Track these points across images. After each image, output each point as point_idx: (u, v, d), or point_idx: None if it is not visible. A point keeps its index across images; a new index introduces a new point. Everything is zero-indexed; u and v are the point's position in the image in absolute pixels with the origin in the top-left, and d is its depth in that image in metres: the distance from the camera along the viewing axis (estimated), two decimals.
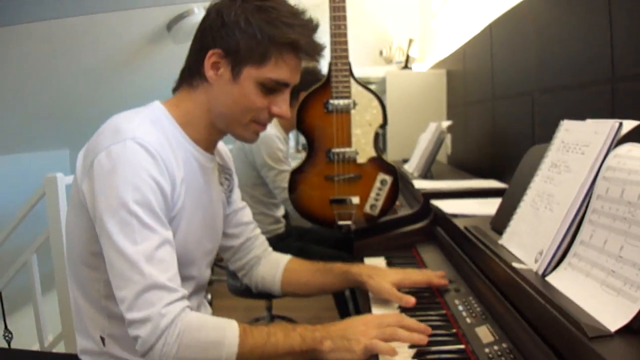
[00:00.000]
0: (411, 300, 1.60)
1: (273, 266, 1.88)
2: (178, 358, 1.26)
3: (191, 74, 1.52)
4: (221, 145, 1.75)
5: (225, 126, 1.55)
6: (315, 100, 2.34)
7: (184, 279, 1.43)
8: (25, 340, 3.70)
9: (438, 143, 3.28)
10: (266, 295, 3.14)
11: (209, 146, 1.60)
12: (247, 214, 1.89)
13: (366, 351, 1.30)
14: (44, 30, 3.62)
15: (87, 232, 1.40)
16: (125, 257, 1.26)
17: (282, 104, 1.53)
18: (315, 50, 1.52)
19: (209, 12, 1.50)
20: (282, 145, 3.26)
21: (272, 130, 3.24)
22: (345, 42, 2.31)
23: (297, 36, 1.44)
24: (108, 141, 1.33)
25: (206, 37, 1.48)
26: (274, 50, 1.44)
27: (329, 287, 1.86)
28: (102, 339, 1.47)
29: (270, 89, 1.48)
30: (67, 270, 1.55)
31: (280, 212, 3.57)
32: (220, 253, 1.86)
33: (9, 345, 3.50)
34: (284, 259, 1.90)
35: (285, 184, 3.12)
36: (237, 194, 1.87)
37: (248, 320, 3.77)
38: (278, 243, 3.23)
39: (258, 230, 1.93)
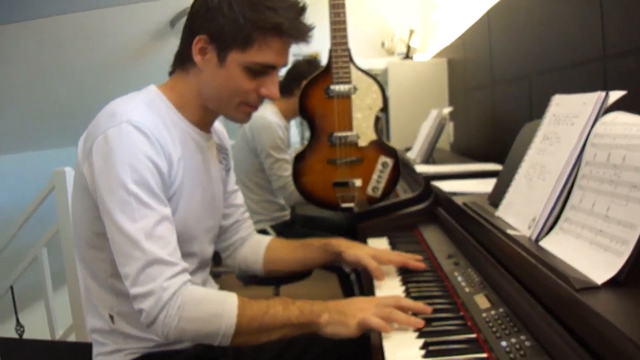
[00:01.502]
0: (382, 276, 1.68)
1: (256, 246, 1.91)
2: (179, 329, 1.31)
3: (183, 59, 1.56)
4: (218, 125, 1.79)
5: (216, 108, 1.58)
6: (316, 86, 2.39)
7: (187, 255, 1.47)
8: (36, 333, 3.73)
9: (439, 129, 3.31)
10: (274, 281, 3.18)
11: (205, 126, 1.64)
12: (239, 197, 1.93)
13: (359, 326, 1.34)
14: (48, 27, 3.64)
15: (90, 213, 1.45)
16: (126, 235, 1.32)
17: (271, 86, 1.55)
18: (301, 32, 1.52)
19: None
20: (282, 134, 3.30)
21: (274, 118, 3.29)
22: (345, 29, 2.35)
23: (280, 19, 1.45)
24: (105, 125, 1.38)
25: (193, 22, 1.51)
26: (257, 34, 1.45)
27: (310, 261, 1.89)
28: (111, 317, 1.52)
29: (257, 72, 1.50)
30: (75, 254, 1.59)
31: None
32: None
33: (20, 338, 3.54)
34: (266, 239, 1.94)
35: (282, 172, 3.18)
36: (232, 175, 1.90)
37: None
38: (284, 230, 3.29)
39: (247, 214, 1.96)
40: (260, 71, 1.50)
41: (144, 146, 1.37)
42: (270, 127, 3.22)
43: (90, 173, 1.39)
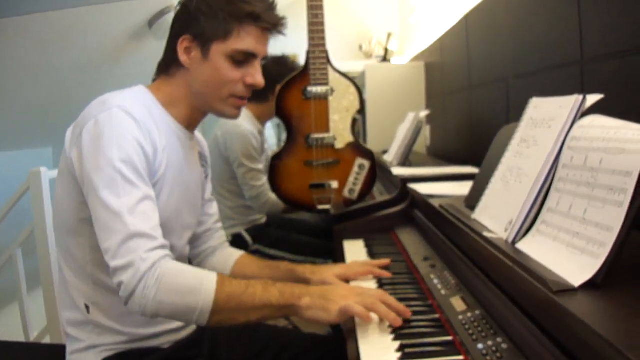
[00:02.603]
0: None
1: (225, 259, 1.92)
2: (157, 301, 1.31)
3: (167, 64, 1.64)
4: (198, 135, 1.84)
5: (206, 104, 1.63)
6: (294, 88, 2.39)
7: None
8: (10, 335, 3.71)
9: (416, 132, 3.31)
10: None
11: (190, 126, 1.68)
12: (213, 207, 1.96)
13: (341, 313, 1.33)
14: (26, 25, 3.61)
15: (75, 200, 1.47)
16: (110, 209, 1.33)
17: (255, 74, 1.63)
18: (274, 19, 1.62)
19: (176, 9, 1.64)
20: (255, 142, 3.25)
21: (248, 125, 3.25)
22: (323, 31, 2.35)
23: (253, 8, 1.56)
24: (96, 111, 1.42)
25: (176, 28, 1.61)
26: (235, 24, 1.55)
27: None
28: (87, 307, 1.52)
29: (240, 61, 1.59)
30: (55, 244, 1.60)
31: None
32: None
33: None
34: (236, 253, 1.94)
35: (255, 182, 3.15)
36: (209, 185, 1.94)
37: None
38: (259, 233, 3.27)
39: (219, 225, 1.98)
40: (242, 60, 1.59)
41: (133, 129, 1.42)
42: (244, 136, 3.18)
43: (78, 157, 1.42)
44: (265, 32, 1.62)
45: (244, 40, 1.57)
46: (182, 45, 1.57)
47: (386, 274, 1.73)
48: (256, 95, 3.38)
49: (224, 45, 1.56)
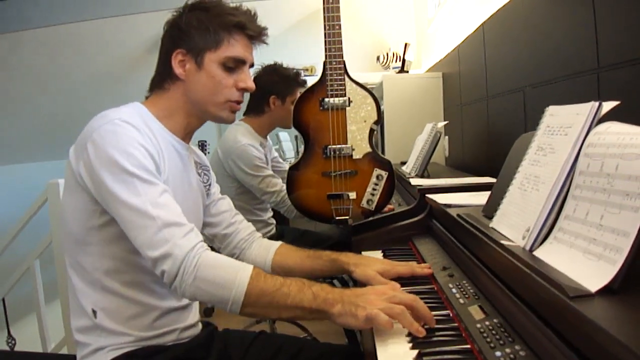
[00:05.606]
0: (396, 286, 1.65)
1: (264, 250, 1.97)
2: (195, 287, 1.39)
3: (161, 79, 1.75)
4: (195, 149, 1.93)
5: (204, 111, 1.75)
6: (311, 99, 2.40)
7: None
8: (28, 346, 3.72)
9: (434, 142, 3.30)
10: None
11: (185, 136, 1.78)
12: (226, 204, 2.02)
13: (367, 320, 1.32)
14: (44, 37, 3.64)
15: (83, 209, 1.54)
16: (134, 208, 1.42)
17: (246, 79, 1.76)
18: (259, 28, 1.77)
19: (164, 28, 1.77)
20: (257, 152, 3.23)
21: (246, 138, 3.23)
22: (340, 42, 2.36)
23: (240, 18, 1.71)
24: (97, 124, 1.49)
25: (167, 45, 1.73)
26: (224, 34, 1.70)
27: (318, 272, 1.91)
28: (94, 312, 1.57)
29: (231, 68, 1.72)
30: (64, 254, 1.64)
31: (269, 214, 3.59)
32: (209, 243, 1.97)
33: (12, 350, 3.52)
34: (275, 244, 1.98)
35: (271, 188, 3.14)
36: (216, 187, 2.00)
37: (249, 324, 3.78)
38: None
39: (240, 217, 2.03)
40: (234, 67, 1.73)
41: (137, 136, 1.50)
42: (244, 151, 3.17)
43: (87, 169, 1.48)
44: (251, 40, 1.77)
45: (234, 47, 1.71)
46: (176, 58, 1.69)
47: (428, 272, 1.75)
48: (252, 108, 3.41)
49: (216, 54, 1.69)
